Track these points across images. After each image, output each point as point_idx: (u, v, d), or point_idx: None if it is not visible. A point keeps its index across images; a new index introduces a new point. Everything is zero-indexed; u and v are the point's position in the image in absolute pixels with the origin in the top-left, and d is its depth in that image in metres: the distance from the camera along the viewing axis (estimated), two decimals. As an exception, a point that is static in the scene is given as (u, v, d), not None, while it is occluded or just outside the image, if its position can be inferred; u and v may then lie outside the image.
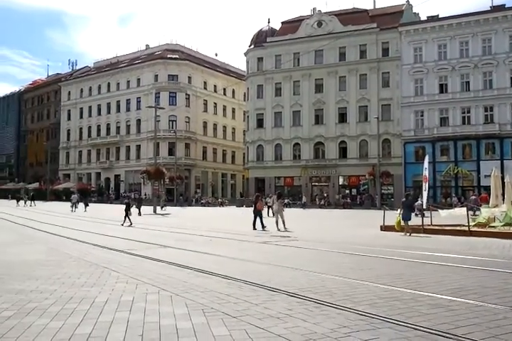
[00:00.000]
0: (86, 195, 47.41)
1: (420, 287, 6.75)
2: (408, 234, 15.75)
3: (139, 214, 30.25)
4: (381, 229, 17.43)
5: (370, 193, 48.70)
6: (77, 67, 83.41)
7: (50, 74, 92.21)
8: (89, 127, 71.71)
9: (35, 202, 47.36)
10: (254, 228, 18.04)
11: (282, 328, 4.63)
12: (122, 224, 20.16)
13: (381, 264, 9.29)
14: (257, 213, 18.46)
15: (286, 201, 29.80)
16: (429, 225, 17.14)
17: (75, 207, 36.45)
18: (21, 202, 46.20)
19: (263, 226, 18.08)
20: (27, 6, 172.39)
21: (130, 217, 20.91)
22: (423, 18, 54.12)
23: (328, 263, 9.27)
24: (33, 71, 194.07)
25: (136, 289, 6.58)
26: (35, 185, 72.06)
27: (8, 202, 48.66)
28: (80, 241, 13.63)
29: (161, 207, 38.56)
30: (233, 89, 68.62)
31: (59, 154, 75.22)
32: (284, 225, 17.90)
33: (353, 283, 7.10)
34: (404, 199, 16.97)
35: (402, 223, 16.02)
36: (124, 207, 21.51)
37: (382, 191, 47.53)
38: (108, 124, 69.13)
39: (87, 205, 37.85)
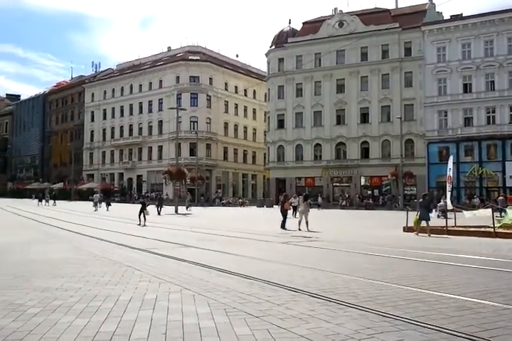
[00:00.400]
0: (109, 195, 48.01)
1: (445, 289, 6.65)
2: (427, 234, 15.69)
3: (159, 214, 30.65)
4: (404, 230, 17.23)
5: (392, 194, 48.17)
6: (101, 70, 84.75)
7: (73, 77, 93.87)
8: (113, 128, 72.67)
9: (56, 201, 48.52)
10: (284, 227, 18.30)
11: (305, 329, 4.61)
12: (139, 224, 20.22)
13: (404, 266, 9.18)
14: (284, 213, 18.78)
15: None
16: (453, 226, 16.90)
17: (98, 207, 37.14)
18: (43, 202, 47.14)
19: (283, 226, 18.37)
20: (51, 9, 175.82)
21: (146, 217, 20.83)
22: (446, 17, 53.31)
23: (350, 264, 9.19)
24: (57, 73, 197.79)
25: (159, 288, 6.64)
26: (60, 185, 73.32)
27: (31, 201, 49.88)
28: (103, 240, 13.81)
29: (187, 208, 38.29)
30: (254, 90, 68.70)
31: (83, 155, 76.42)
32: (307, 226, 18.00)
33: (376, 284, 7.02)
34: (421, 199, 17.14)
35: (423, 223, 16.00)
36: (139, 206, 21.59)
37: (405, 192, 46.96)
38: (131, 125, 69.96)
39: (110, 205, 38.39)
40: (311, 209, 19.55)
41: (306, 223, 18.02)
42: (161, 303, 5.65)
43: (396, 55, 51.29)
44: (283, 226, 18.48)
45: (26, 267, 8.56)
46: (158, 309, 5.37)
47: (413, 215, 17.25)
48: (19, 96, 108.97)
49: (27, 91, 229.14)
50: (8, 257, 10.09)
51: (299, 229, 17.70)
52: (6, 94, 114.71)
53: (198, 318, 4.96)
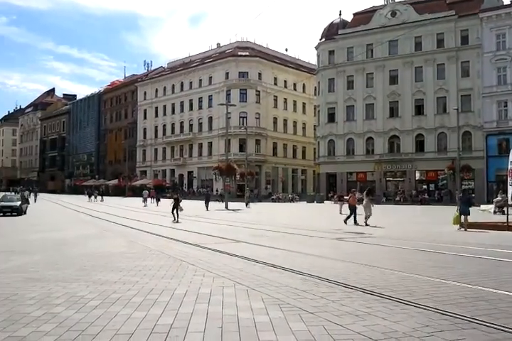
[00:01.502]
0: (159, 191, 49.26)
1: (507, 287, 6.35)
2: (463, 229, 15.90)
3: (207, 209, 31.14)
4: (461, 226, 16.63)
5: (449, 188, 46.52)
6: (152, 68, 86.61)
7: (126, 76, 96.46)
8: (164, 125, 74.24)
9: (103, 197, 51.07)
10: (355, 223, 18.40)
11: (361, 326, 4.53)
12: (173, 220, 19.74)
13: (463, 262, 8.86)
14: (352, 208, 18.91)
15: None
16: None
17: (149, 202, 38.42)
18: (92, 198, 49.53)
19: (345, 221, 18.55)
20: (105, 10, 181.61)
21: (179, 213, 20.28)
22: (506, 2, 50.68)
23: (405, 261, 8.96)
24: (110, 73, 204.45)
25: (213, 282, 6.73)
26: (115, 181, 75.75)
27: (84, 197, 52.19)
28: (155, 234, 14.19)
29: (246, 204, 37.27)
30: (303, 84, 68.07)
31: (136, 152, 78.54)
32: (366, 221, 18.12)
33: (434, 281, 6.82)
34: (461, 194, 17.49)
35: (462, 218, 16.21)
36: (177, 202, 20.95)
37: (463, 186, 45.10)
38: (181, 122, 71.19)
39: (159, 200, 39.44)
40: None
41: (365, 217, 18.13)
42: (215, 297, 5.72)
43: (452, 44, 49.31)
44: (354, 221, 18.61)
45: (86, 261, 8.91)
46: (213, 303, 5.43)
47: (473, 211, 16.91)
48: (75, 95, 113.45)
49: (82, 91, 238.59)
50: (68, 251, 10.54)
51: (367, 224, 17.78)
52: (63, 94, 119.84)
53: (252, 313, 4.99)
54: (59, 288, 6.32)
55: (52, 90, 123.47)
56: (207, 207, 31.89)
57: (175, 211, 20.37)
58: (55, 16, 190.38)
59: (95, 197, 49.55)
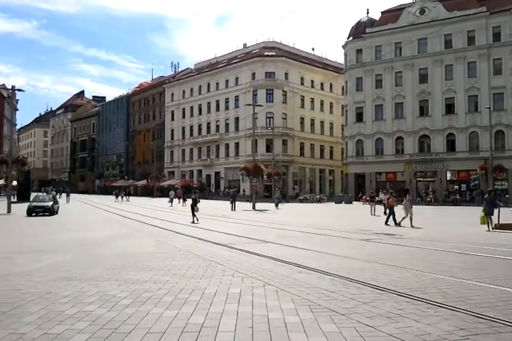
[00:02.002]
0: (185, 191, 49.71)
1: (547, 291, 6.15)
2: (490, 229, 15.78)
3: (233, 209, 31.22)
4: (495, 228, 16.21)
5: (481, 189, 45.40)
6: (179, 70, 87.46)
7: (154, 77, 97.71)
8: (191, 126, 74.85)
9: (129, 197, 53.04)
10: (396, 223, 18.28)
11: (393, 328, 4.46)
12: (192, 222, 19.42)
13: (497, 265, 8.64)
14: (390, 208, 18.90)
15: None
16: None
17: (175, 202, 38.87)
18: (119, 198, 50.80)
19: (386, 222, 18.51)
20: (132, 12, 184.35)
21: (196, 214, 19.94)
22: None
23: (436, 263, 8.78)
24: (138, 74, 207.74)
25: (242, 282, 6.73)
26: (143, 182, 76.72)
27: (112, 197, 53.38)
28: (183, 234, 14.30)
29: (276, 205, 36.11)
30: (331, 83, 67.61)
31: (164, 153, 79.44)
32: (401, 221, 17.99)
33: (467, 283, 6.66)
34: (486, 195, 17.20)
35: (487, 219, 16.11)
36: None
37: (496, 186, 44.01)
38: (208, 123, 71.66)
39: (185, 200, 39.80)
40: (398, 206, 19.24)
41: (403, 218, 17.99)
42: (245, 298, 5.72)
43: (483, 41, 48.20)
44: (386, 222, 18.59)
45: (116, 260, 9.04)
46: (243, 303, 5.44)
47: (506, 212, 16.65)
48: (104, 97, 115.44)
49: (111, 93, 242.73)
50: (99, 251, 10.74)
51: (412, 226, 17.55)
52: (93, 96, 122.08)
53: (282, 313, 4.97)
54: (91, 286, 6.43)
55: (82, 92, 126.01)
56: (233, 207, 32.03)
57: (193, 211, 20.27)
58: (83, 19, 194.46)
59: (122, 198, 51.00)
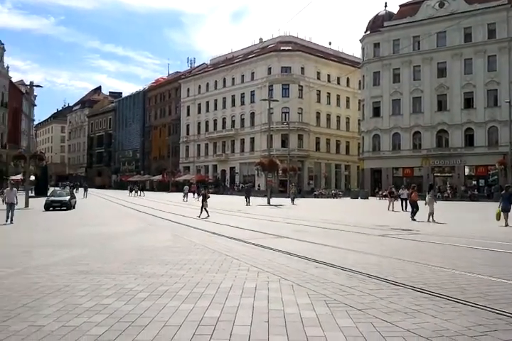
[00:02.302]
0: (199, 186, 49.97)
1: None
2: (504, 225, 15.62)
3: (247, 204, 31.24)
4: (505, 223, 15.99)
5: (499, 184, 44.71)
6: (195, 65, 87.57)
7: (170, 73, 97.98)
8: (207, 122, 75.00)
9: (143, 192, 54.28)
10: (413, 219, 18.36)
11: (411, 323, 4.42)
12: (199, 216, 19.39)
13: (516, 261, 8.49)
14: (413, 204, 18.97)
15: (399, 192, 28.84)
16: None
17: (190, 197, 39.15)
18: (133, 192, 52.01)
19: (412, 218, 18.53)
20: (148, 8, 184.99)
21: (207, 209, 19.76)
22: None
23: (454, 259, 8.67)
24: (155, 70, 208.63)
25: (258, 277, 6.73)
26: (159, 177, 77.23)
27: (127, 192, 54.17)
28: (198, 229, 14.35)
29: (292, 200, 35.20)
30: (347, 78, 66.97)
31: (179, 148, 79.76)
32: (432, 217, 17.86)
33: (487, 279, 6.57)
34: (503, 191, 17.10)
35: (503, 215, 16.02)
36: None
37: (513, 182, 43.39)
38: (224, 118, 71.69)
39: (200, 195, 40.02)
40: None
41: (429, 214, 17.90)
42: (260, 292, 5.72)
43: (504, 35, 47.28)
44: (412, 217, 18.57)
45: (132, 254, 9.12)
46: (259, 297, 5.43)
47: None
48: (121, 93, 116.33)
49: (127, 89, 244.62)
50: (115, 245, 10.85)
51: (429, 221, 17.57)
52: (109, 92, 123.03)
53: (298, 308, 4.95)
54: (108, 280, 6.49)
55: (99, 88, 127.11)
56: (248, 202, 32.05)
57: (202, 207, 20.03)
58: (100, 15, 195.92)
59: (136, 192, 52.33)
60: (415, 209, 18.80)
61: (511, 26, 47.04)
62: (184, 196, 40.02)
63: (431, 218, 17.74)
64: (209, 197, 21.03)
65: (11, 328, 4.29)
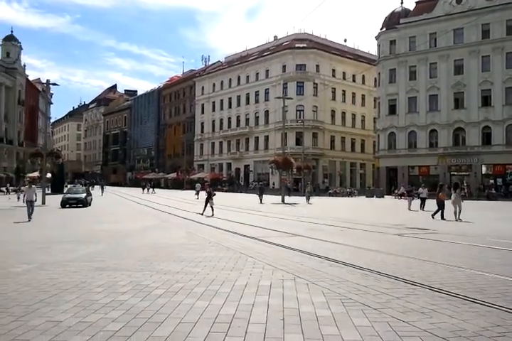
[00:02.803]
0: (211, 184, 50.03)
1: None
2: None
3: (260, 202, 31.21)
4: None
5: (517, 183, 44.14)
6: (210, 63, 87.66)
7: (185, 71, 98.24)
8: (221, 120, 75.11)
9: (155, 189, 55.68)
10: (443, 218, 18.20)
11: (427, 323, 4.38)
12: (202, 214, 19.16)
13: (537, 261, 8.35)
14: (440, 203, 18.61)
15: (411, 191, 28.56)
16: None
17: (199, 194, 39.28)
18: (145, 190, 52.98)
19: (441, 217, 18.31)
20: (163, 6, 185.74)
21: (213, 207, 19.43)
22: None
23: (472, 258, 8.57)
24: (169, 68, 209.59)
25: (273, 275, 6.72)
26: (173, 174, 77.61)
27: (141, 189, 55.02)
28: (212, 226, 14.38)
29: (307, 199, 33.85)
30: (363, 75, 66.46)
31: (194, 146, 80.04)
32: (458, 215, 17.81)
33: (506, 280, 6.47)
34: None
35: None
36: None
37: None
38: (238, 116, 71.71)
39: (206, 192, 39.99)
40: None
41: (458, 212, 17.84)
42: (275, 290, 5.71)
43: (523, 31, 46.55)
44: (439, 216, 18.37)
45: (148, 251, 9.18)
46: (274, 295, 5.43)
47: None
48: (136, 91, 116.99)
49: (142, 87, 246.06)
50: (130, 242, 10.92)
51: (456, 220, 17.52)
52: (125, 90, 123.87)
53: (314, 307, 4.94)
54: (124, 276, 6.54)
55: (114, 86, 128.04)
56: (261, 199, 32.05)
57: (208, 204, 19.65)
58: (116, 14, 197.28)
59: (148, 189, 53.34)
60: (441, 208, 18.49)
61: (530, 23, 46.23)
62: (196, 193, 40.11)
63: (457, 216, 17.70)
64: (215, 194, 20.59)
65: (29, 323, 4.35)
